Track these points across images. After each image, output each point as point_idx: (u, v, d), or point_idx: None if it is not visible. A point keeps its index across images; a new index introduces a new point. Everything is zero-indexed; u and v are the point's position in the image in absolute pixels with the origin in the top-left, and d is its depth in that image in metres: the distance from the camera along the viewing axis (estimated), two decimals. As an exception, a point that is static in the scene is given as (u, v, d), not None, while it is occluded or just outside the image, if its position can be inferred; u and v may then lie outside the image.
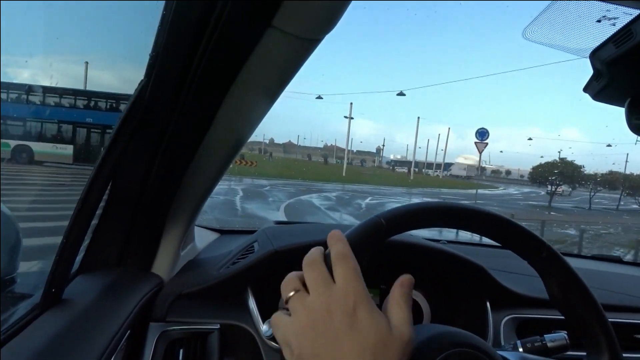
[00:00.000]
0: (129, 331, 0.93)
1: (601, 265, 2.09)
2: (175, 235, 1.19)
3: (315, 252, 0.61)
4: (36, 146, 18.83)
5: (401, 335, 0.53)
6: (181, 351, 1.06)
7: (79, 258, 1.02)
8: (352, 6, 0.75)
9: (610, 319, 0.77)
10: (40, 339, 0.73)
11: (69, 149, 19.42)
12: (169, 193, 1.08)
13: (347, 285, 0.54)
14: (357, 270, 0.57)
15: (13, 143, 18.50)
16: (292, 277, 0.60)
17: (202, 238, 1.61)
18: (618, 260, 2.23)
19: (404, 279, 0.61)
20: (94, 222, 1.01)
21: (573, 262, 0.80)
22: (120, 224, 1.08)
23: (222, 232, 1.83)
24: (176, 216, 1.15)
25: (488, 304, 1.28)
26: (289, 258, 1.21)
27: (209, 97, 0.90)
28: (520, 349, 0.94)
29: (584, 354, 0.80)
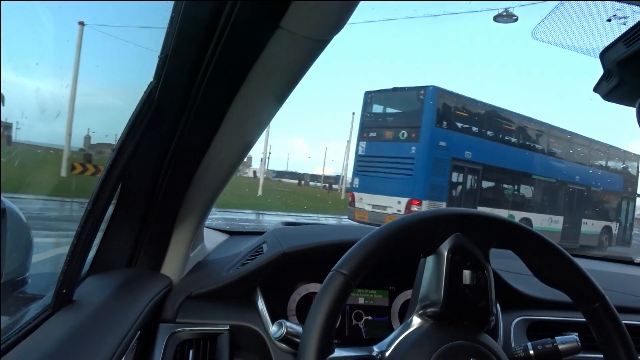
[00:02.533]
0: (139, 332, 0.94)
1: (613, 267, 2.07)
2: (184, 236, 1.19)
3: None
4: (535, 218, 13.06)
5: None
6: (191, 352, 1.06)
7: (89, 259, 1.03)
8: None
9: (625, 322, 0.77)
10: (52, 340, 0.73)
11: (559, 223, 13.74)
12: (178, 194, 1.09)
13: None
14: None
15: (517, 215, 12.43)
16: None
17: (212, 239, 1.61)
18: (630, 262, 2.20)
19: None
20: (104, 223, 1.02)
21: (584, 264, 0.80)
22: (130, 224, 1.08)
23: (231, 233, 1.83)
24: (186, 217, 1.16)
25: (498, 305, 1.28)
26: (298, 259, 1.21)
27: (218, 98, 0.91)
28: (531, 351, 0.93)
29: (596, 356, 0.80)
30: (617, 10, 0.68)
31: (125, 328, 0.86)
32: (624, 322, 0.81)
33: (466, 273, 0.81)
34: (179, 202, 1.11)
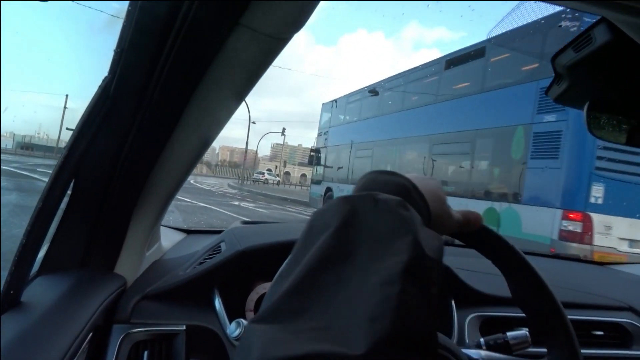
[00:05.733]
0: (91, 333, 0.91)
1: (561, 264, 2.16)
2: (140, 235, 1.17)
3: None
4: None
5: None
6: (145, 353, 1.04)
7: (39, 258, 0.99)
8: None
9: (568, 316, 0.80)
10: None
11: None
12: (134, 192, 1.06)
13: None
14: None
15: None
16: None
17: (168, 238, 1.58)
18: (577, 259, 2.31)
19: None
20: (56, 221, 0.98)
21: (533, 261, 0.83)
22: (83, 223, 1.05)
23: (188, 232, 1.81)
24: (141, 216, 1.13)
25: (453, 302, 1.31)
26: (256, 258, 1.21)
27: (175, 94, 0.89)
28: (484, 347, 0.96)
29: (545, 350, 0.82)
30: (568, 16, 0.70)
31: (76, 330, 0.84)
32: (572, 317, 0.84)
33: None
34: (135, 200, 1.08)
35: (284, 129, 47.92)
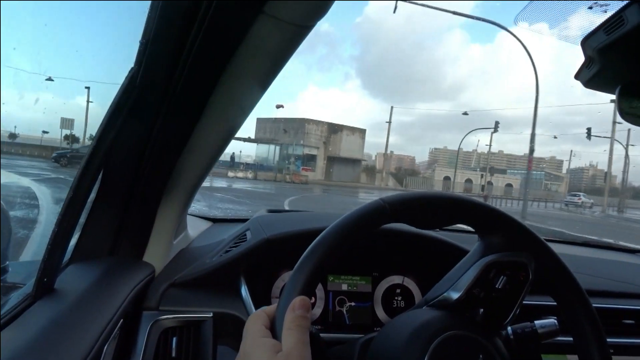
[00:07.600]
0: (121, 320, 0.93)
1: (592, 251, 2.11)
2: (167, 224, 1.19)
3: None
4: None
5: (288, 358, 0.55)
6: (174, 340, 1.06)
7: (70, 247, 1.02)
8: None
9: (598, 305, 0.78)
10: (33, 329, 0.73)
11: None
12: (161, 181, 1.08)
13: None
14: (307, 343, 0.59)
15: None
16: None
17: (195, 227, 1.60)
18: (608, 247, 2.24)
19: (294, 302, 0.63)
20: (86, 210, 1.00)
21: (561, 248, 0.81)
22: (112, 212, 1.07)
23: (214, 220, 1.83)
24: (168, 205, 1.15)
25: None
26: (281, 246, 1.22)
27: (200, 84, 0.90)
28: (511, 336, 0.95)
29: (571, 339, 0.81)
30: (598, -2, 0.68)
31: (108, 316, 0.86)
32: (601, 305, 0.82)
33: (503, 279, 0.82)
34: (162, 189, 1.10)
35: (497, 123, 37.42)
